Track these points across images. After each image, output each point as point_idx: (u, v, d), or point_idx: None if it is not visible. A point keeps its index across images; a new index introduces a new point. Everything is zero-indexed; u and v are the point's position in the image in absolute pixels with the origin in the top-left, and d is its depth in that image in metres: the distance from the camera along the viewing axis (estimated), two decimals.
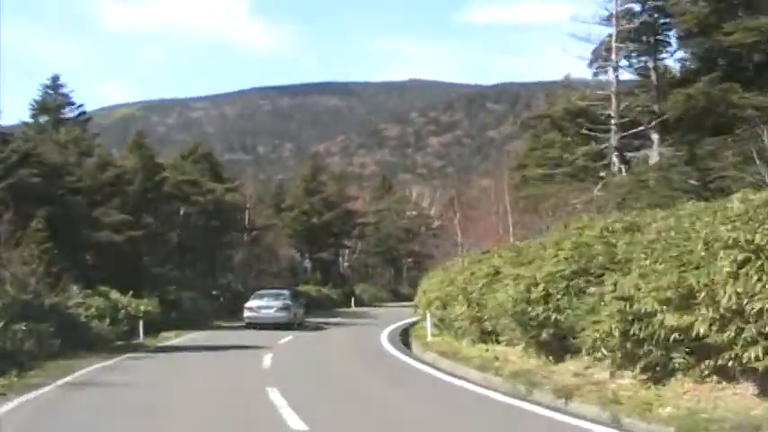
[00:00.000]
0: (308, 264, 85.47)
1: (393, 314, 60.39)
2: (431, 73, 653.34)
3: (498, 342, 24.27)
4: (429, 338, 32.28)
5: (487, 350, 24.30)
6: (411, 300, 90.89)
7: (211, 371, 24.40)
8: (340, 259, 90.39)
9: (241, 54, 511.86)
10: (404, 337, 37.53)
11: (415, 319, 44.06)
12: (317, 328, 46.97)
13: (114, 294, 38.01)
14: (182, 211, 56.86)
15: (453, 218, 67.36)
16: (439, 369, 23.28)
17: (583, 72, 62.22)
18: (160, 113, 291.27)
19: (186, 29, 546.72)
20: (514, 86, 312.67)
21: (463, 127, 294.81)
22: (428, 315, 34.24)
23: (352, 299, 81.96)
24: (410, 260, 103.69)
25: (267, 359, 26.85)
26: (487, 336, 25.38)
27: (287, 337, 38.00)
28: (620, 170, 41.54)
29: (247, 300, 47.46)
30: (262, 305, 44.37)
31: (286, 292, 49.52)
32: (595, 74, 45.29)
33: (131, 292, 38.98)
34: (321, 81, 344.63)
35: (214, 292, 58.07)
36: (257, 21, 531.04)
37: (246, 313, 44.50)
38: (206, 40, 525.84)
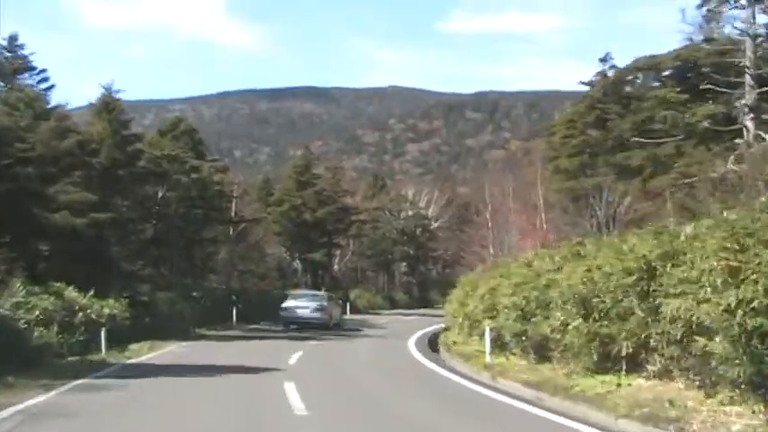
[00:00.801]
0: (297, 265, 74.82)
1: (399, 324, 53.20)
2: (410, 80, 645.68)
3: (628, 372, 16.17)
4: (488, 360, 23.82)
5: (620, 384, 15.64)
6: (408, 308, 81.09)
7: (210, 416, 14.01)
8: (333, 261, 79.73)
9: (220, 54, 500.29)
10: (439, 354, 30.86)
11: (429, 329, 41.62)
12: (322, 338, 39.37)
13: (70, 293, 28.02)
14: (160, 194, 46.10)
15: (484, 210, 56.42)
16: (552, 411, 14.54)
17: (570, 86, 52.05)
18: (137, 114, 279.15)
19: (166, 27, 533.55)
20: (494, 95, 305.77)
21: (442, 135, 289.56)
22: (487, 329, 25.42)
23: (347, 305, 71.44)
24: (404, 265, 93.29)
25: (291, 392, 16.82)
26: (608, 360, 16.92)
27: (297, 353, 29.09)
28: (759, 138, 30.91)
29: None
30: (298, 305, 44.17)
31: (322, 293, 49.64)
32: (707, 19, 34.46)
33: (92, 291, 29.14)
34: (299, 85, 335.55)
35: (195, 294, 47.53)
36: (235, 21, 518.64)
37: (283, 313, 44.50)
38: (185, 39, 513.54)
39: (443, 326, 41.34)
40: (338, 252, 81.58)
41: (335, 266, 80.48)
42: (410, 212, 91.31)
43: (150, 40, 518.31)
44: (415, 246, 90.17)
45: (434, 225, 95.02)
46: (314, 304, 44.47)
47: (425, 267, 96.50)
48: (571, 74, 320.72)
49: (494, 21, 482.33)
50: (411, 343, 35.61)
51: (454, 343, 31.51)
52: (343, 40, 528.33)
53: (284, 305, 45.01)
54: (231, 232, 60.36)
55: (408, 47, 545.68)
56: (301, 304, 44.41)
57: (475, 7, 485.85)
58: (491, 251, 51.63)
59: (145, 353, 28.44)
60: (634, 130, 45.25)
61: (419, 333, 40.99)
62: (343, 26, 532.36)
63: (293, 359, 26.45)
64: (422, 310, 76.38)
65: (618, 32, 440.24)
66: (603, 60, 55.85)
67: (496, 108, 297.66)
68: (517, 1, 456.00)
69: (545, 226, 48.63)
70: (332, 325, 44.40)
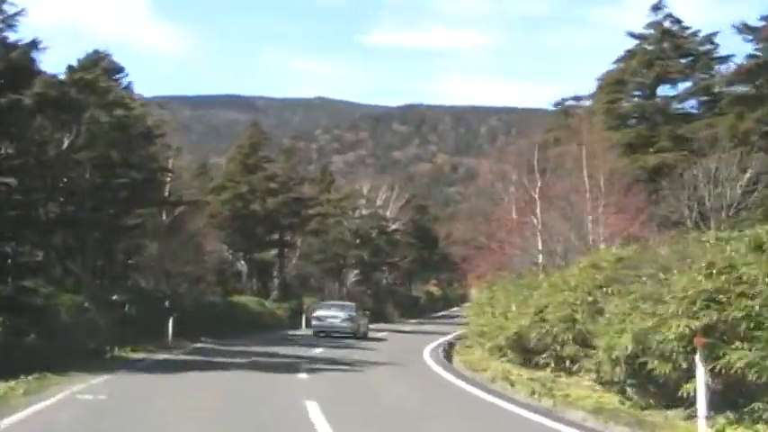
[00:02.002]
0: (242, 266, 58.77)
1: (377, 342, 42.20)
2: (337, 92, 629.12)
3: None
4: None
5: None
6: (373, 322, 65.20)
7: None
8: (286, 263, 63.70)
9: (140, 59, 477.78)
10: None
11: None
12: (314, 368, 25.80)
13: None
14: (66, 142, 29.92)
15: (531, 202, 40.26)
16: None
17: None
18: None
19: (88, 28, 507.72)
20: (421, 108, 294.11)
21: (368, 146, 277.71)
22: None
23: (303, 317, 55.85)
24: (357, 272, 77.67)
25: None
26: None
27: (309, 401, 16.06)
28: None
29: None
30: (329, 315, 44.46)
31: (351, 304, 49.77)
32: None
33: None
34: (223, 93, 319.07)
35: (115, 298, 31.74)
36: (157, 25, 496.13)
37: (314, 322, 44.86)
38: (104, 42, 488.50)
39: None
40: (292, 252, 65.70)
41: (279, 272, 64.33)
42: (365, 211, 75.89)
43: (73, 41, 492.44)
44: (371, 250, 74.73)
45: (392, 227, 79.81)
46: (344, 314, 45.06)
47: (382, 276, 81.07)
48: (495, 90, 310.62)
49: (418, 36, 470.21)
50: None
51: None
52: (269, 50, 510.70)
53: (315, 314, 45.67)
54: (164, 217, 44.21)
55: (335, 59, 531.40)
56: (332, 314, 44.97)
57: (400, 23, 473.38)
58: (539, 260, 36.64)
59: (13, 406, 13.25)
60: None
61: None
62: (269, 37, 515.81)
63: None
64: (381, 324, 61.70)
65: (537, 51, 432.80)
66: (657, 8, 41.48)
67: (423, 121, 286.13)
68: (441, 17, 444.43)
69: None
70: (359, 334, 44.64)
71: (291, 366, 25.84)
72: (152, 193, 38.93)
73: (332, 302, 50.29)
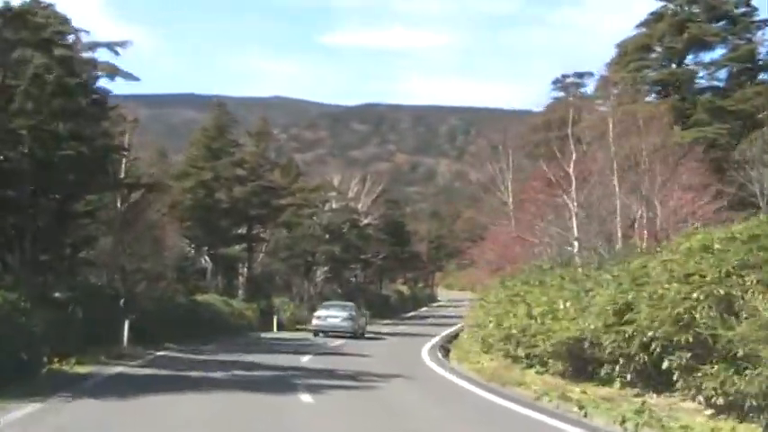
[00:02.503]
0: (206, 262, 52.35)
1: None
2: (295, 92, 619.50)
3: None
4: None
5: None
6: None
7: None
8: (255, 258, 57.26)
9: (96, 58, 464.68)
10: None
11: None
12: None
13: None
14: None
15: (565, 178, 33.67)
16: None
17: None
18: None
19: None
20: (380, 108, 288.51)
21: (326, 145, 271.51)
22: None
23: (275, 320, 49.79)
24: (326, 269, 71.52)
25: None
26: None
27: None
28: None
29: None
30: (330, 315, 44.02)
31: (351, 304, 49.37)
32: None
33: None
34: (180, 92, 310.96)
35: (58, 295, 25.56)
36: (112, 22, 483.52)
37: (315, 321, 44.20)
38: None
39: None
40: (261, 247, 59.34)
41: (245, 269, 57.82)
42: (335, 204, 69.80)
43: None
44: (342, 245, 68.65)
45: (364, 221, 73.83)
46: (344, 314, 44.58)
47: (352, 273, 74.93)
48: (455, 90, 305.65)
49: (379, 36, 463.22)
50: None
51: None
52: (227, 49, 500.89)
53: (316, 314, 45.16)
54: (119, 205, 37.83)
55: (293, 59, 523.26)
56: (333, 314, 44.45)
57: (360, 22, 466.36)
58: (575, 248, 30.50)
59: None
60: None
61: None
62: (227, 35, 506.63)
63: None
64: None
65: (497, 51, 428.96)
66: None
67: (383, 120, 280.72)
68: (401, 17, 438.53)
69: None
70: (359, 334, 44.18)
71: (284, 383, 19.90)
72: (105, 175, 32.53)
73: (332, 303, 49.81)
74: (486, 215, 53.54)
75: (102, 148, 30.47)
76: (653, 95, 34.30)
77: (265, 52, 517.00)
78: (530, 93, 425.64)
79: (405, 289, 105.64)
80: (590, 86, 46.96)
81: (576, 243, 29.55)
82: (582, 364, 20.71)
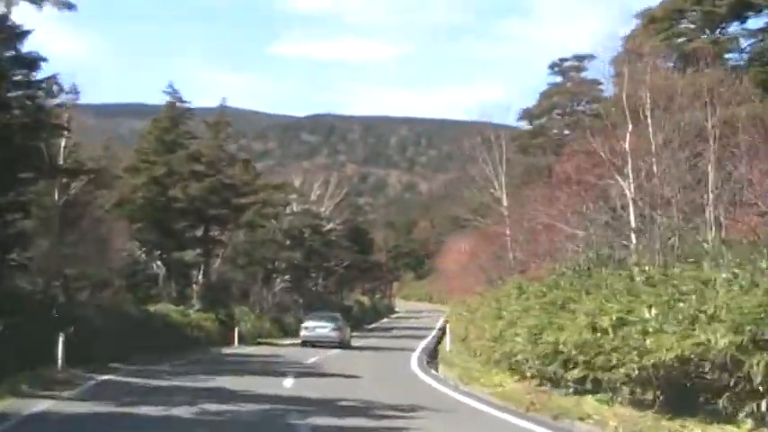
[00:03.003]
0: (158, 268, 45.78)
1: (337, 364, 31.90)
2: (243, 102, 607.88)
3: None
4: None
5: None
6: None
7: None
8: (212, 264, 50.69)
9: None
10: None
11: None
12: None
13: None
14: None
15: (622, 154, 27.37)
16: None
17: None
18: None
19: None
20: (330, 118, 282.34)
21: (276, 156, 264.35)
22: None
23: (236, 332, 43.51)
24: (286, 278, 65.34)
25: None
26: None
27: None
28: None
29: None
30: (318, 325, 43.49)
31: (337, 315, 49.39)
32: None
33: None
34: (127, 102, 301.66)
35: None
36: (57, 29, 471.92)
37: (303, 332, 43.73)
38: None
39: None
40: (220, 251, 52.87)
41: (201, 276, 51.22)
42: (296, 207, 63.71)
43: None
44: (304, 252, 62.65)
45: (328, 227, 67.86)
46: (332, 324, 44.22)
47: (313, 282, 68.68)
48: (405, 100, 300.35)
49: (329, 47, 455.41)
50: None
51: None
52: (173, 58, 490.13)
53: (304, 324, 44.58)
54: (57, 198, 31.40)
55: (244, 69, 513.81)
56: (320, 324, 43.80)
57: (309, 33, 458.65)
58: (632, 241, 24.36)
59: None
60: None
61: None
62: (176, 46, 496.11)
63: None
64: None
65: (447, 62, 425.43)
66: None
67: (332, 131, 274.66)
68: (351, 28, 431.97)
69: None
70: (345, 343, 43.87)
71: (277, 425, 13.95)
72: (38, 158, 26.20)
73: (320, 314, 48.78)
74: (472, 213, 47.68)
75: (33, 121, 24.12)
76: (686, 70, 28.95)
77: (213, 62, 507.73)
78: (479, 103, 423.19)
79: (365, 299, 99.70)
80: (590, 71, 41.95)
81: (632, 237, 23.72)
82: (678, 392, 15.06)
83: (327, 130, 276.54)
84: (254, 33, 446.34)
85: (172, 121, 44.58)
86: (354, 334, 63.93)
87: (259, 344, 46.15)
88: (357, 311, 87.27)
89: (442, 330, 73.51)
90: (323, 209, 67.96)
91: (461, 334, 40.80)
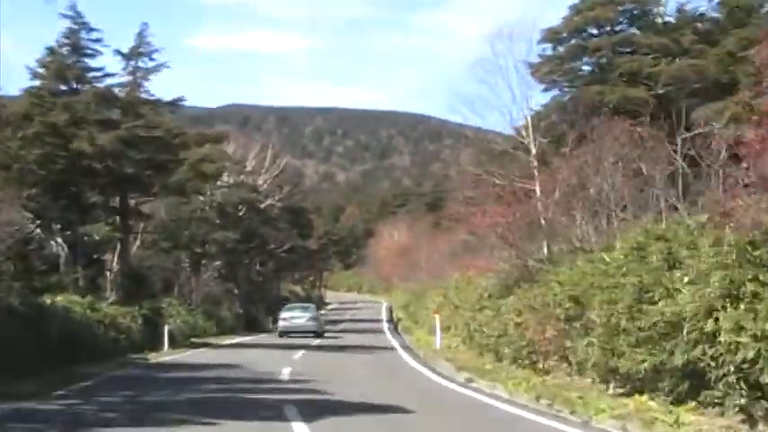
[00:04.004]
0: (59, 247, 33.03)
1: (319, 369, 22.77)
2: (157, 93, 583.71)
3: None
4: None
5: None
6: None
7: None
8: (131, 242, 38.15)
9: None
10: None
11: None
12: None
13: None
14: None
15: None
16: None
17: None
18: None
19: None
20: (244, 108, 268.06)
21: None
22: None
23: (165, 331, 31.51)
24: (218, 263, 53.33)
25: None
26: None
27: None
28: None
29: None
30: (294, 316, 43.49)
31: (312, 305, 50.68)
32: None
33: None
34: None
35: None
36: None
37: (281, 323, 43.28)
38: None
39: None
40: (140, 229, 40.37)
41: (117, 259, 38.59)
42: (229, 179, 51.64)
43: None
44: (243, 233, 50.71)
45: (266, 203, 56.07)
46: (308, 314, 43.92)
47: (250, 269, 56.39)
48: (320, 92, 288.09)
49: (243, 39, 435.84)
50: None
51: None
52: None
53: (282, 316, 43.93)
54: None
55: (156, 61, 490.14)
56: (297, 315, 43.58)
57: (225, 25, 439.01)
58: None
59: None
60: None
61: None
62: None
63: None
64: (262, 337, 44.02)
65: (361, 54, 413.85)
66: None
67: (247, 122, 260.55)
68: (266, 20, 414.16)
69: None
70: (321, 332, 42.94)
71: None
72: None
73: (295, 305, 50.13)
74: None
75: None
76: None
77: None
78: (394, 94, 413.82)
79: (299, 290, 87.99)
80: None
81: None
82: None
83: (241, 121, 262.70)
84: (171, 26, 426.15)
85: (73, 50, 32.10)
86: None
87: (194, 345, 34.39)
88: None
89: (393, 322, 63.14)
90: (260, 182, 56.06)
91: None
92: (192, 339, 37.08)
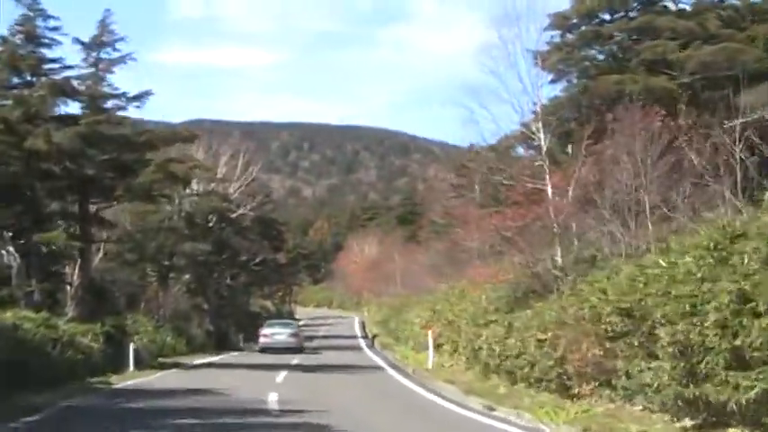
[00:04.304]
0: (11, 257, 29.29)
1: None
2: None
3: None
4: None
5: None
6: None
7: None
8: (93, 252, 34.36)
9: None
10: None
11: None
12: None
13: None
14: None
15: None
16: None
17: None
18: None
19: None
20: (207, 124, 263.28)
21: None
22: None
23: (131, 351, 27.87)
24: (187, 277, 49.64)
25: None
26: None
27: None
28: None
29: None
30: (276, 332, 43.03)
31: (292, 321, 52.32)
32: None
33: None
34: None
35: None
36: None
37: (263, 339, 42.65)
38: None
39: None
40: (104, 238, 36.61)
41: (78, 271, 34.76)
42: (199, 186, 48.08)
43: None
44: (214, 243, 47.14)
45: (238, 212, 52.54)
46: (289, 330, 43.81)
47: (220, 283, 52.63)
48: (286, 107, 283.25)
49: (208, 54, 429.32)
50: None
51: None
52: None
53: (263, 332, 43.40)
54: None
55: (120, 77, 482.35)
56: (279, 331, 43.33)
57: (190, 40, 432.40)
58: None
59: None
60: None
61: None
62: None
63: None
64: (234, 356, 39.63)
65: (327, 69, 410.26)
66: None
67: (211, 137, 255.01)
68: (231, 35, 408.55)
69: None
70: (301, 347, 42.18)
71: None
72: None
73: (276, 321, 49.74)
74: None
75: None
76: None
77: None
78: (360, 109, 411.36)
79: (270, 305, 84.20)
80: None
81: None
82: None
83: (206, 136, 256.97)
84: (134, 41, 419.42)
85: (27, 38, 28.47)
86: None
87: (163, 366, 30.73)
88: (264, 320, 72.01)
89: (368, 338, 59.93)
90: (231, 190, 52.54)
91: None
92: (161, 359, 33.46)
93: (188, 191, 46.53)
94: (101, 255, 41.38)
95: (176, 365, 31.65)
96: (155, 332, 36.93)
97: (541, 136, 24.17)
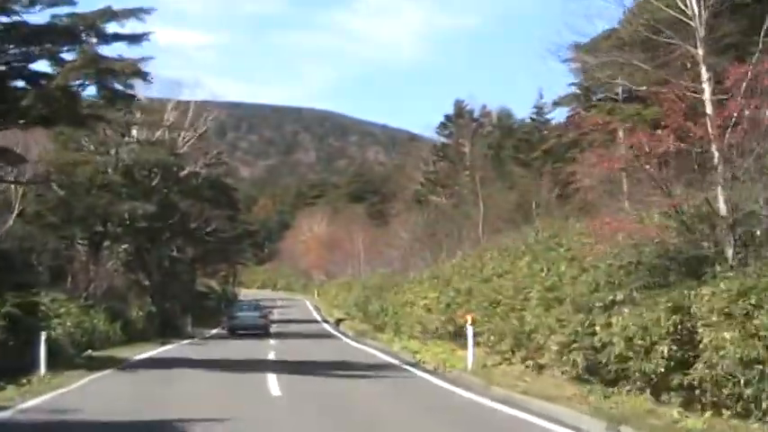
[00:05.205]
0: None
1: None
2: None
3: None
4: None
5: None
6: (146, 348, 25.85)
7: None
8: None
9: None
10: None
11: None
12: None
13: None
14: None
15: None
16: None
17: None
18: None
19: None
20: (140, 102, 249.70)
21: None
22: None
23: (42, 345, 17.75)
24: (125, 248, 39.28)
25: None
26: None
27: None
28: None
29: None
30: (244, 315, 42.66)
31: (259, 304, 49.42)
32: None
33: None
34: None
35: None
36: None
37: (233, 321, 41.93)
38: None
39: None
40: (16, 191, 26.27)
41: None
42: (139, 134, 37.92)
43: None
44: (159, 206, 36.87)
45: (187, 170, 42.34)
46: (257, 313, 42.98)
47: (165, 256, 42.29)
48: (224, 89, 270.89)
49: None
50: None
51: None
52: None
53: (233, 315, 43.18)
54: None
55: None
56: (247, 314, 42.82)
57: (124, 22, 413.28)
58: None
59: None
60: None
61: None
62: None
63: None
64: (181, 346, 30.74)
65: (266, 52, 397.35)
66: None
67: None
68: (166, 16, 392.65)
69: None
70: (268, 330, 41.24)
71: None
72: None
73: (243, 304, 51.61)
74: None
75: None
76: None
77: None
78: (299, 91, 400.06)
79: (216, 285, 73.76)
80: None
81: None
82: None
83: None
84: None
85: None
86: (216, 332, 41.63)
87: (91, 364, 20.51)
88: (215, 301, 61.78)
89: (329, 323, 51.36)
90: (179, 143, 42.29)
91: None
92: (91, 352, 23.38)
93: (126, 139, 36.26)
94: (15, 214, 31.11)
95: (110, 362, 21.53)
96: (82, 315, 26.68)
97: (696, 12, 14.82)
